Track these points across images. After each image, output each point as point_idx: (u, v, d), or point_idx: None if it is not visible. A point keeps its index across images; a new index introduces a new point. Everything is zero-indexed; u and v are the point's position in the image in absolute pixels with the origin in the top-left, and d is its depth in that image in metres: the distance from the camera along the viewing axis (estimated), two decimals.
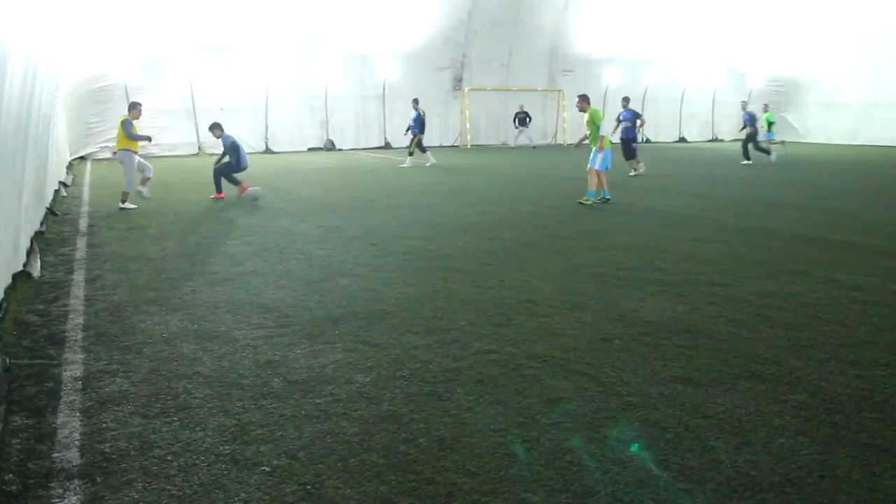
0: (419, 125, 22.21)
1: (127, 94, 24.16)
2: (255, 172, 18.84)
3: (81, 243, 9.85)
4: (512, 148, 30.27)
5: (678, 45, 34.32)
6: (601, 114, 13.84)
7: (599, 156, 13.55)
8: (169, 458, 3.79)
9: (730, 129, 38.13)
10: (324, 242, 9.84)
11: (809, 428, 4.16)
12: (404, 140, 29.12)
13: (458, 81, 30.98)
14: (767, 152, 24.52)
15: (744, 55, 36.52)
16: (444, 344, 5.58)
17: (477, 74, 31.04)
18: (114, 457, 3.81)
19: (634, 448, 3.92)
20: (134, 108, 13.89)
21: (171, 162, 23.23)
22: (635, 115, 18.06)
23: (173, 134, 25.38)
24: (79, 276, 7.91)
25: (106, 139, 24.16)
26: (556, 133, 33.90)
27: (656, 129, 35.08)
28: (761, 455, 3.84)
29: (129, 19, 22.81)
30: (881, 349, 5.50)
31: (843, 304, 6.77)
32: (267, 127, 27.18)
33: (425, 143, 22.68)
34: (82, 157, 24.07)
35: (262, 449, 3.89)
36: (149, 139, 14.01)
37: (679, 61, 35.19)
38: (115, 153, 13.96)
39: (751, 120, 24.67)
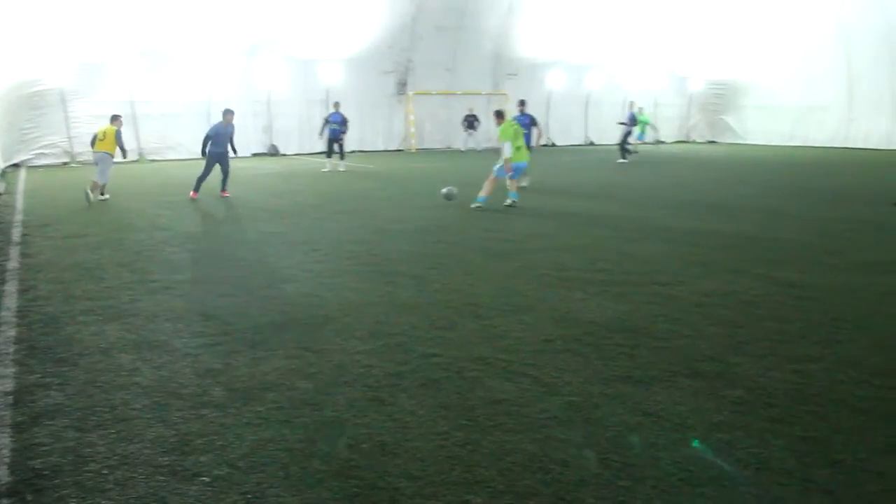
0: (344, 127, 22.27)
1: (63, 99, 23.59)
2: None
3: (14, 253, 9.57)
4: (462, 152, 30.34)
5: (620, 49, 34.78)
6: (510, 131, 13.72)
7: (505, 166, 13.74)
8: (105, 471, 3.70)
9: (671, 132, 38.84)
10: (267, 249, 9.74)
11: (746, 422, 4.26)
12: (347, 146, 29.07)
13: (402, 86, 30.92)
14: (627, 152, 25.53)
15: (685, 59, 37.19)
16: (388, 348, 5.56)
17: (421, 79, 31.02)
18: (46, 473, 3.71)
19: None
20: (117, 119, 15.44)
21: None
22: (532, 121, 17.14)
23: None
24: (11, 287, 7.68)
25: (41, 146, 23.56)
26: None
27: (600, 133, 35.50)
28: (700, 450, 3.91)
29: (64, 22, 22.24)
30: (815, 344, 5.66)
31: (779, 301, 6.95)
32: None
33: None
34: (16, 165, 23.40)
35: (202, 459, 3.83)
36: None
37: (621, 65, 35.67)
38: (96, 154, 15.14)
39: (632, 120, 25.63)
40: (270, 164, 24.37)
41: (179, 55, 25.40)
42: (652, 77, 36.81)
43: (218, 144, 15.54)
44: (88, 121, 23.79)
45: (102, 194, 15.00)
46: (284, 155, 28.05)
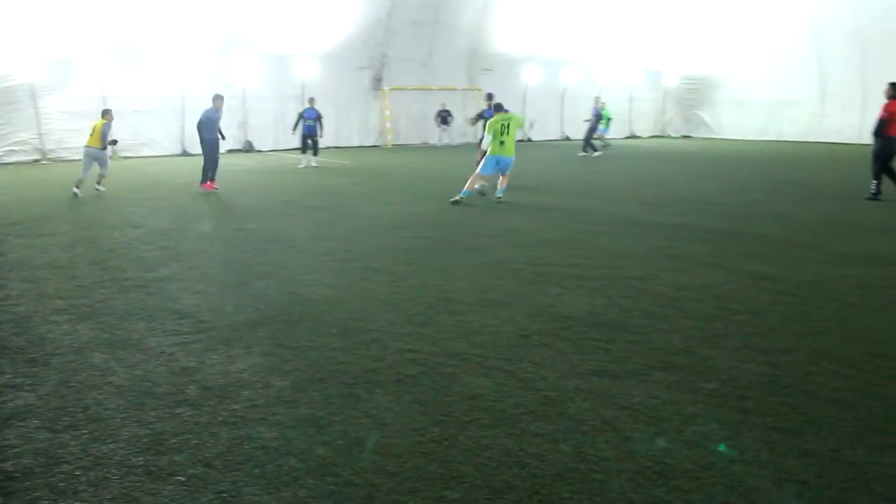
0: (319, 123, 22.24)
1: (34, 95, 23.26)
2: (170, 176, 18.45)
3: None
4: (438, 147, 30.33)
5: (595, 45, 34.89)
6: (497, 126, 13.75)
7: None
8: (77, 472, 3.66)
9: (646, 127, 39.06)
10: (241, 245, 9.68)
11: (720, 414, 4.30)
12: (323, 142, 28.95)
13: (377, 81, 30.80)
14: (594, 149, 26.07)
15: (659, 54, 37.41)
16: (363, 345, 5.55)
17: (397, 74, 30.93)
18: (17, 475, 3.66)
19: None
20: (107, 113, 16.01)
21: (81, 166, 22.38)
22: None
23: (84, 137, 24.41)
24: None
25: (11, 142, 23.19)
26: (476, 131, 34.01)
27: (576, 128, 35.61)
28: (675, 443, 3.95)
29: (34, 16, 21.96)
30: (788, 336, 5.72)
31: (752, 294, 7.02)
32: (183, 129, 26.52)
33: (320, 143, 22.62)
34: None
35: (176, 458, 3.80)
36: (115, 142, 16.39)
37: (596, 60, 35.79)
38: (85, 149, 15.68)
39: (597, 115, 26.01)
40: (245, 160, 24.21)
41: (152, 50, 25.12)
42: (627, 72, 36.99)
43: (210, 130, 15.81)
44: (60, 117, 23.51)
45: (99, 184, 15.70)
46: (259, 151, 27.86)
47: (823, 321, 6.11)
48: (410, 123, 32.25)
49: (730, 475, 3.60)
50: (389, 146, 30.74)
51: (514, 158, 13.80)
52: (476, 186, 14.12)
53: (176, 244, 9.83)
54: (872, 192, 13.78)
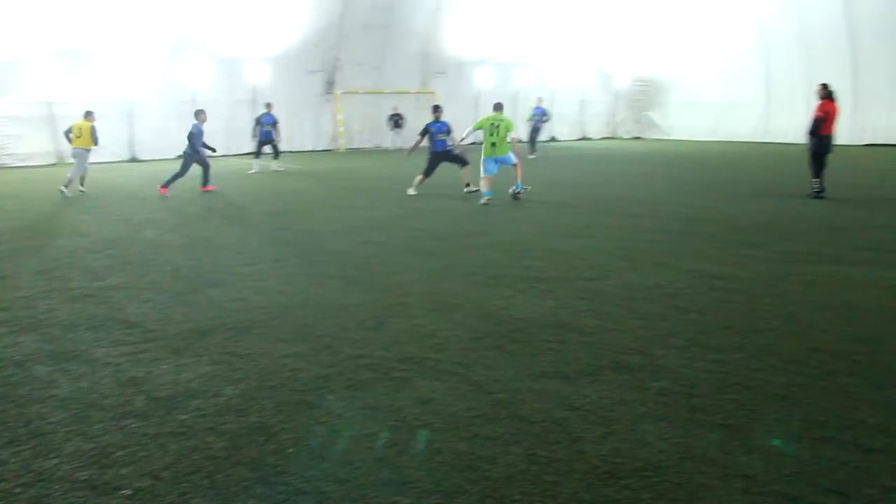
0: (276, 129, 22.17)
1: None
2: (120, 182, 18.13)
3: None
4: (389, 151, 30.29)
5: (547, 47, 35.18)
6: (486, 124, 14.12)
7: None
8: (17, 490, 3.56)
9: (598, 129, 39.46)
10: (191, 253, 9.56)
11: (670, 413, 4.34)
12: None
13: (330, 85, 30.67)
14: (534, 147, 26.87)
15: (610, 56, 37.86)
16: (315, 351, 5.51)
17: (349, 77, 30.82)
18: None
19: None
20: (90, 114, 16.83)
21: (26, 173, 21.87)
22: (448, 129, 17.10)
23: (28, 143, 23.90)
24: None
25: None
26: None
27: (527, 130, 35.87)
28: (625, 442, 3.97)
29: None
30: (736, 334, 5.81)
31: (701, 293, 7.12)
32: (132, 134, 26.10)
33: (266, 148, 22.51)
34: None
35: (122, 471, 3.73)
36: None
37: (548, 63, 36.08)
38: (75, 150, 16.56)
39: (541, 115, 26.56)
40: (195, 165, 23.86)
41: (99, 54, 24.67)
42: (578, 74, 37.35)
43: (199, 144, 16.27)
44: (2, 123, 22.97)
45: (82, 185, 16.56)
46: (210, 157, 27.52)
47: (769, 319, 6.22)
48: (363, 127, 32.15)
49: (678, 473, 3.64)
50: (342, 150, 30.61)
51: (510, 156, 14.05)
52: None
53: (123, 252, 9.66)
54: (816, 189, 14.10)
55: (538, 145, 27.71)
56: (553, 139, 36.17)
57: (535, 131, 27.25)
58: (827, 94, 14.11)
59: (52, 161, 24.23)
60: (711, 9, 34.44)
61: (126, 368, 5.21)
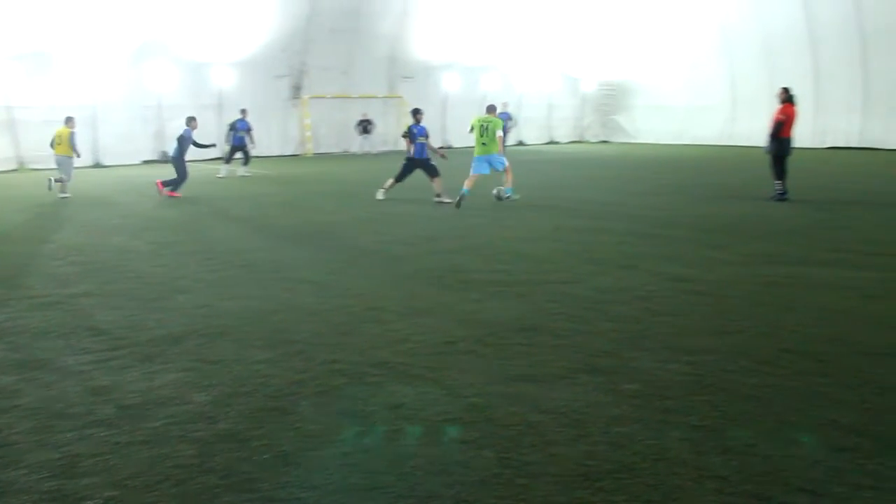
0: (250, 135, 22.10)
1: None
2: (85, 188, 17.87)
3: None
4: (357, 156, 30.22)
5: (513, 51, 35.32)
6: (478, 124, 14.39)
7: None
8: None
9: (566, 133, 39.67)
10: (159, 259, 9.43)
11: (643, 415, 4.36)
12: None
13: (297, 90, 30.48)
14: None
15: (577, 61, 38.10)
16: (287, 357, 5.46)
17: (316, 82, 30.64)
18: None
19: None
20: (70, 120, 16.92)
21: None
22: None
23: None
24: None
25: None
26: (397, 140, 33.99)
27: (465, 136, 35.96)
28: (598, 445, 3.99)
29: None
30: (708, 335, 5.86)
31: (672, 295, 7.18)
32: (96, 139, 25.70)
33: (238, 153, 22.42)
34: None
35: (89, 481, 3.65)
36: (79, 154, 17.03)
37: (515, 67, 36.22)
38: (57, 158, 16.66)
39: (507, 119, 26.75)
40: (162, 171, 23.55)
41: (61, 57, 24.27)
42: (546, 78, 37.55)
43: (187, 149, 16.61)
44: None
45: (63, 191, 16.27)
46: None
47: (740, 320, 6.28)
48: (331, 132, 31.99)
49: (652, 475, 3.65)
50: (310, 155, 30.44)
51: (502, 159, 14.35)
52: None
53: (90, 259, 9.51)
54: (779, 192, 14.29)
55: (505, 149, 27.76)
56: (521, 143, 36.27)
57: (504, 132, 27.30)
58: (788, 98, 14.33)
59: (13, 167, 23.77)
60: (676, 14, 34.88)
61: (94, 376, 5.12)
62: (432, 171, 14.80)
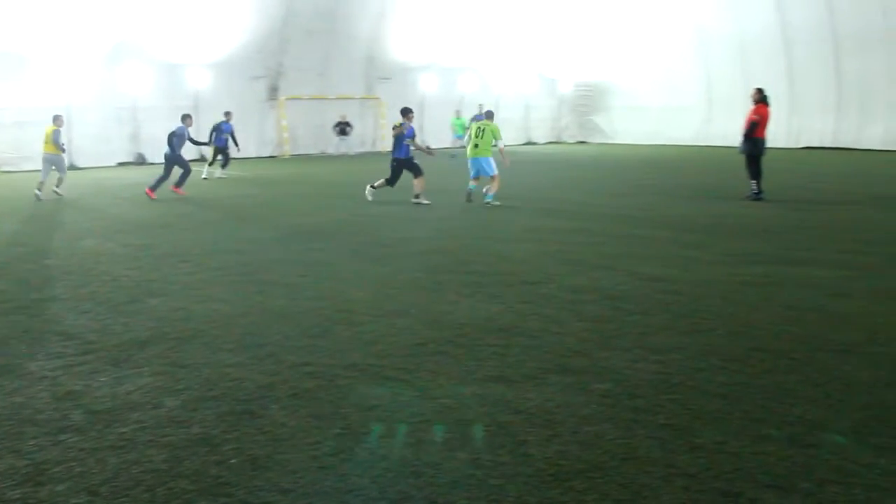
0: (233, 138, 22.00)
1: None
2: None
3: None
4: (334, 157, 30.15)
5: (491, 53, 35.40)
6: (474, 128, 15.01)
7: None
8: None
9: (543, 133, 39.80)
10: (132, 262, 9.35)
11: (613, 414, 4.38)
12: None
13: (273, 91, 30.36)
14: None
15: (554, 62, 38.25)
16: (258, 360, 5.44)
17: (293, 83, 30.53)
18: None
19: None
20: (57, 119, 17.02)
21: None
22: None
23: None
24: None
25: None
26: (374, 141, 33.99)
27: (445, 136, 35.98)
28: (569, 445, 4.00)
29: None
30: (678, 335, 5.90)
31: (645, 295, 7.22)
32: (70, 141, 25.42)
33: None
34: None
35: (58, 488, 3.62)
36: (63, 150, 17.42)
37: (493, 68, 36.30)
38: (45, 156, 16.88)
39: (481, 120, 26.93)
40: (137, 173, 23.44)
41: (35, 58, 24.01)
42: (523, 79, 37.66)
43: (180, 146, 16.72)
44: None
45: (58, 187, 16.78)
46: (153, 164, 27.02)
47: (711, 319, 6.33)
48: (307, 133, 31.90)
49: (622, 474, 3.67)
50: (287, 156, 30.33)
51: (489, 158, 14.58)
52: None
53: (61, 262, 9.42)
54: (754, 191, 14.43)
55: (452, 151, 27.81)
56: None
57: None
58: (762, 99, 14.48)
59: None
60: (653, 16, 35.16)
61: (63, 382, 5.07)
62: (417, 171, 14.84)
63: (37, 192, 16.06)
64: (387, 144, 33.06)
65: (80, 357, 5.60)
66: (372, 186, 15.08)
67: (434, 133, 34.60)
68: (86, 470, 3.80)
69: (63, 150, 17.18)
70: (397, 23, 31.74)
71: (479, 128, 14.81)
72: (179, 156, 16.68)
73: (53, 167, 16.77)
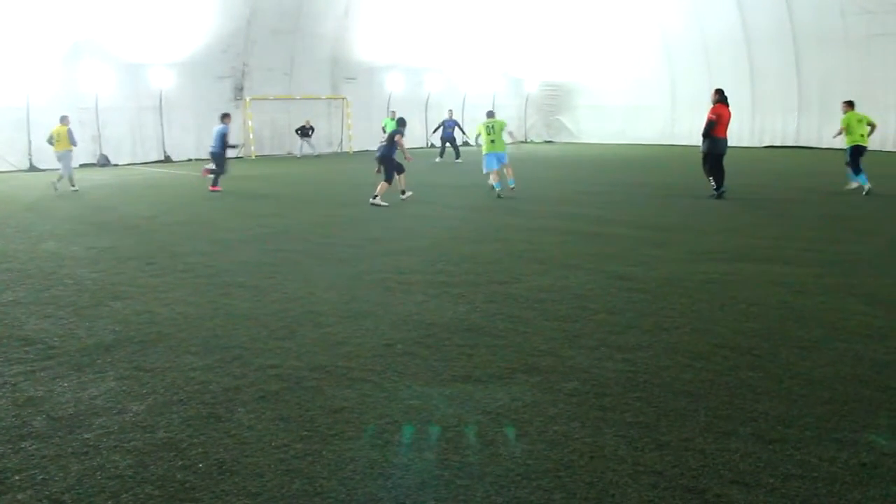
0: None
1: None
2: (17, 193, 17.42)
3: None
4: (298, 158, 30.00)
5: (457, 52, 35.44)
6: (483, 129, 16.11)
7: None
8: None
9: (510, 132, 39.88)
10: (95, 265, 9.22)
11: (580, 413, 4.41)
12: (186, 154, 27.99)
13: (239, 91, 30.11)
14: (441, 155, 27.91)
15: (519, 61, 38.40)
16: (224, 363, 5.39)
17: (259, 83, 30.32)
18: None
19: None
20: (65, 119, 18.41)
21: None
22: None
23: None
24: None
25: None
26: (341, 141, 33.87)
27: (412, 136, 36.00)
28: (537, 444, 4.02)
29: None
30: (644, 333, 5.95)
31: (611, 293, 7.27)
32: (30, 142, 25.01)
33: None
34: None
35: (19, 497, 3.56)
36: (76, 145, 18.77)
37: (458, 67, 36.33)
38: (58, 153, 18.31)
39: (453, 125, 27.90)
40: (100, 175, 23.13)
41: None
42: (489, 79, 37.74)
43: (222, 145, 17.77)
44: None
45: (73, 185, 18.03)
46: (116, 165, 26.69)
47: (676, 317, 6.39)
48: (274, 134, 31.72)
49: (589, 472, 3.70)
50: (252, 157, 30.11)
51: (506, 153, 16.00)
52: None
53: (22, 265, 9.26)
54: (715, 189, 14.61)
55: (445, 151, 27.76)
56: (465, 144, 36.41)
57: (450, 139, 27.46)
58: (720, 99, 14.69)
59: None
60: (618, 17, 35.52)
61: (24, 388, 4.99)
62: (399, 169, 14.95)
63: (72, 187, 17.76)
64: (353, 144, 33.07)
65: (41, 362, 5.51)
66: (378, 195, 14.75)
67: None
68: (48, 477, 3.74)
69: (75, 145, 18.52)
70: (362, 22, 31.68)
71: (489, 126, 16.06)
72: (223, 154, 17.84)
73: (62, 161, 18.10)
